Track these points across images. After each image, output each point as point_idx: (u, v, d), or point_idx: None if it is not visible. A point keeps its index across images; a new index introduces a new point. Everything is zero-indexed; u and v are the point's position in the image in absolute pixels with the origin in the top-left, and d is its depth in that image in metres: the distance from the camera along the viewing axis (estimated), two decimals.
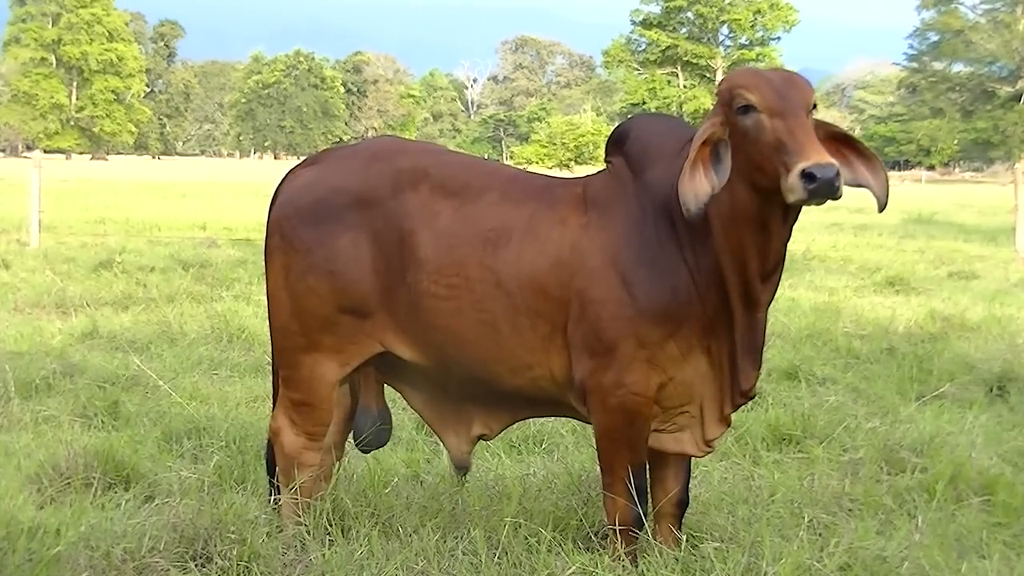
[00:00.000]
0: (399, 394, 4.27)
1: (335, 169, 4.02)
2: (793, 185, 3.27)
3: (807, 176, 3.25)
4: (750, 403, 6.24)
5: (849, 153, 3.56)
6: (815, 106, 3.45)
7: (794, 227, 3.59)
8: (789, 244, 3.65)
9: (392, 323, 3.91)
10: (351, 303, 3.90)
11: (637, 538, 3.78)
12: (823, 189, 3.25)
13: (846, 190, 3.40)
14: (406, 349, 3.93)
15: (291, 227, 3.97)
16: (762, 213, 3.45)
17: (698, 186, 3.44)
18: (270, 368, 4.35)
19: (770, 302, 3.70)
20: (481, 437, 4.08)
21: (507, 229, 3.78)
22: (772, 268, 3.59)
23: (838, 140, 3.55)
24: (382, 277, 3.88)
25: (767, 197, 3.41)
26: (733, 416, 3.89)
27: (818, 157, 3.27)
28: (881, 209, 3.61)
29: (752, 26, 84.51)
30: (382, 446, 4.30)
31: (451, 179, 3.89)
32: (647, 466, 3.83)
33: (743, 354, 3.68)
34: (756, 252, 3.53)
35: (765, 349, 7.93)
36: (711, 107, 3.64)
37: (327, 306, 3.92)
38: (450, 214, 3.83)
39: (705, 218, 3.51)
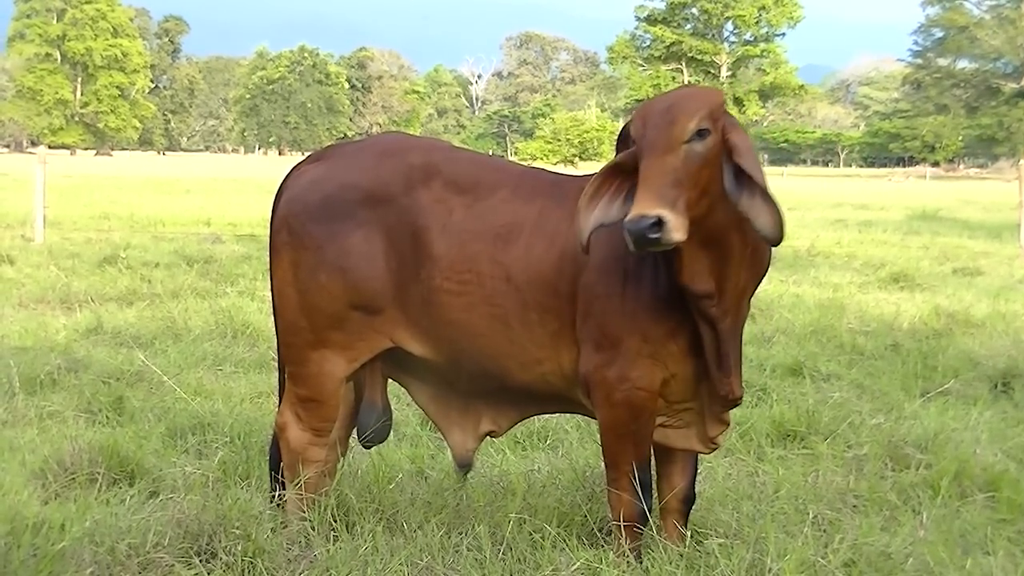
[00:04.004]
0: (404, 390, 4.27)
1: (344, 165, 4.01)
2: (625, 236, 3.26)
3: (626, 229, 3.23)
4: (754, 399, 6.30)
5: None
6: (702, 132, 3.31)
7: (732, 251, 3.48)
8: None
9: (403, 319, 3.91)
10: (362, 300, 3.90)
11: (641, 534, 3.78)
12: (640, 242, 3.21)
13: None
14: (417, 345, 3.93)
15: (300, 223, 3.96)
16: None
17: (584, 220, 3.45)
18: (275, 364, 4.34)
19: (729, 317, 3.61)
20: (489, 434, 4.08)
21: (517, 225, 3.78)
22: (711, 289, 3.50)
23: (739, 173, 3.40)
24: (394, 273, 3.88)
25: None
26: (737, 412, 3.88)
27: (636, 209, 3.21)
28: (773, 245, 3.46)
29: (756, 22, 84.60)
30: (383, 441, 4.30)
31: (463, 176, 3.90)
32: (651, 462, 3.84)
33: (713, 366, 3.65)
34: (686, 276, 3.48)
35: (769, 346, 7.93)
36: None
37: (337, 303, 3.92)
38: (462, 210, 3.83)
39: None
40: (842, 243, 17.06)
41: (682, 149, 3.31)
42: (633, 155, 3.45)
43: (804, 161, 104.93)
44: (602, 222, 3.47)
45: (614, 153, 3.89)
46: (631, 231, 3.20)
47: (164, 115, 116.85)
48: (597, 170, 3.89)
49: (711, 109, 3.36)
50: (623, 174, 3.48)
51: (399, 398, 5.55)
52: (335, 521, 4.00)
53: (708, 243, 3.41)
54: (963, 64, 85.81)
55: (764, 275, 3.74)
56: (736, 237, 3.48)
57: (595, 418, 3.88)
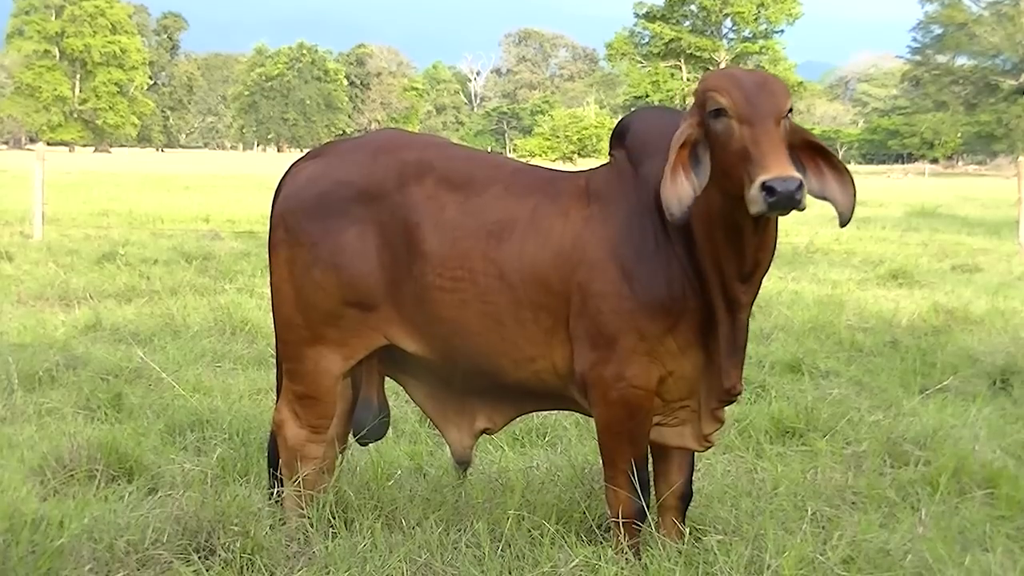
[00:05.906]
0: (401, 387, 4.27)
1: (340, 162, 4.02)
2: (755, 197, 3.23)
3: (767, 189, 3.20)
4: (753, 396, 6.30)
5: (823, 164, 3.49)
6: (790, 111, 3.38)
7: (773, 229, 3.53)
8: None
9: (397, 316, 3.91)
10: (356, 296, 3.90)
11: (640, 531, 3.78)
12: (783, 202, 3.20)
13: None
14: (411, 342, 3.93)
15: (296, 220, 3.97)
16: (734, 217, 3.39)
17: (680, 190, 3.41)
18: (273, 361, 4.34)
19: (751, 303, 3.67)
20: (485, 431, 4.08)
21: (511, 222, 3.77)
22: (751, 270, 3.55)
23: (812, 150, 3.50)
24: (388, 270, 3.88)
25: (737, 203, 3.35)
26: (736, 409, 3.88)
27: (779, 170, 3.22)
28: (843, 224, 3.56)
29: (755, 19, 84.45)
30: (380, 439, 4.30)
31: (456, 172, 3.89)
32: (649, 459, 3.83)
33: (725, 354, 3.67)
34: (732, 254, 3.50)
35: (768, 343, 7.94)
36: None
37: (332, 300, 3.92)
38: (455, 207, 3.83)
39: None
40: (841, 240, 17.04)
41: (783, 123, 3.36)
42: (694, 126, 3.45)
43: None
44: (695, 191, 3.43)
45: (609, 149, 3.90)
46: (781, 190, 3.18)
47: (163, 112, 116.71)
48: (595, 165, 3.89)
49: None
50: (689, 147, 3.46)
51: (398, 395, 5.55)
52: (334, 518, 4.00)
53: (757, 226, 3.44)
54: (962, 61, 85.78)
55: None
56: (772, 224, 3.51)
57: (590, 415, 3.88)
